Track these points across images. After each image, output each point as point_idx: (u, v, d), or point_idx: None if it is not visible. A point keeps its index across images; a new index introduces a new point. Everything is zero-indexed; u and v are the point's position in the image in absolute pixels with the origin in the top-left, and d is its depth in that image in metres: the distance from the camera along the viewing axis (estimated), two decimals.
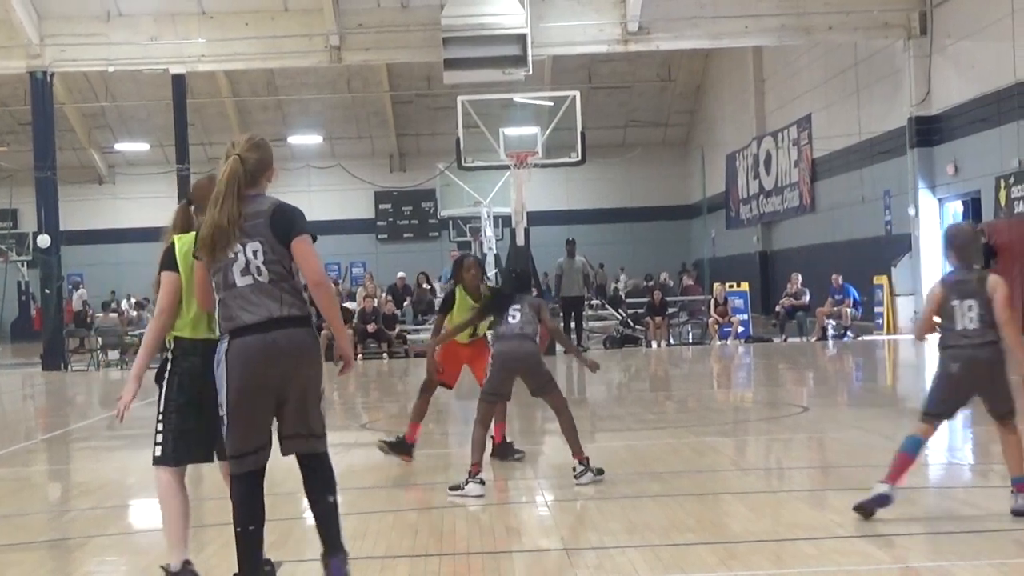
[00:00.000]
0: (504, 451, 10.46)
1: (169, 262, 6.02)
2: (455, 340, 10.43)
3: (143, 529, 8.39)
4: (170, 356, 6.01)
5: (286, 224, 5.67)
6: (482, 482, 8.83)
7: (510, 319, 9.21)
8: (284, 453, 5.79)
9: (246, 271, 5.62)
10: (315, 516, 5.83)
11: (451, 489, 8.90)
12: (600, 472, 9.09)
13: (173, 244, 6.05)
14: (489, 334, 10.19)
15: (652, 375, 21.72)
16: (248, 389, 5.58)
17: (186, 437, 5.93)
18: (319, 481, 5.80)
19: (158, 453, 5.95)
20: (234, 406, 5.60)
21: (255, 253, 5.62)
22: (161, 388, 5.99)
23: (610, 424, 13.42)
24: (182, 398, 5.92)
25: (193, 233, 6.02)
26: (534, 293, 10.55)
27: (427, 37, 27.52)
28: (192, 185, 6.32)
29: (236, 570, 5.70)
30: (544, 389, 9.30)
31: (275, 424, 5.76)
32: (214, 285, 5.71)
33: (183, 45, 28.36)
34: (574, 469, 9.07)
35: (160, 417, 5.96)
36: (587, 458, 9.11)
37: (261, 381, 5.59)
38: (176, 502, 5.94)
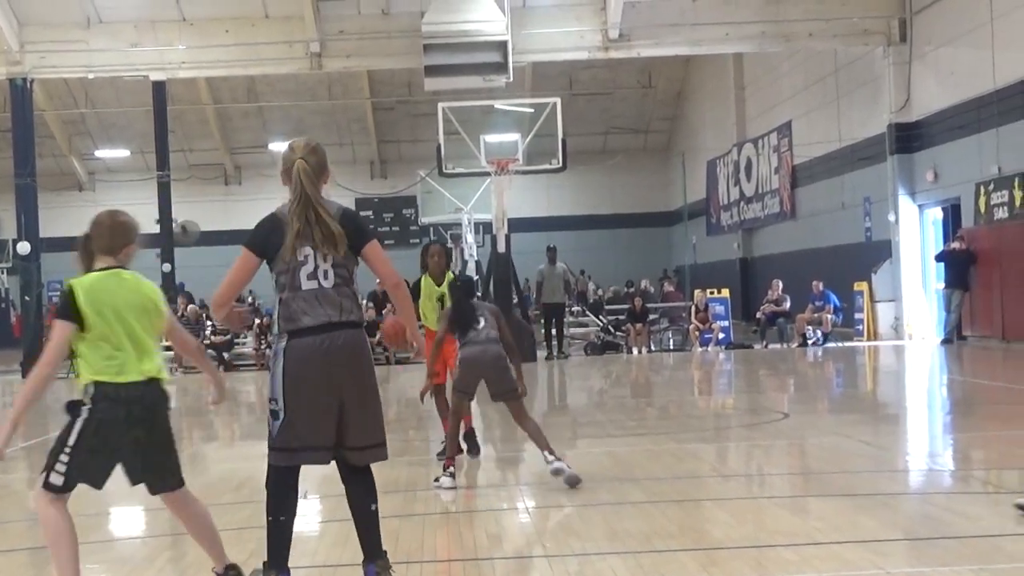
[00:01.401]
0: (468, 439, 10.91)
1: (65, 310, 5.57)
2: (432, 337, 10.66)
3: (123, 537, 8.36)
4: (88, 403, 5.61)
5: (357, 230, 5.82)
6: (452, 475, 9.32)
7: (477, 326, 9.49)
8: (359, 463, 5.84)
9: (312, 276, 5.73)
10: (356, 523, 5.91)
11: (434, 480, 9.40)
12: (577, 479, 9.08)
13: (73, 291, 5.57)
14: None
15: (633, 381, 21.71)
16: (303, 383, 5.67)
17: (86, 472, 5.66)
18: (364, 489, 5.90)
19: (56, 482, 5.60)
20: (290, 400, 5.68)
21: (325, 257, 5.73)
22: (75, 423, 5.62)
23: (591, 430, 13.42)
24: (96, 441, 5.59)
25: (93, 274, 5.67)
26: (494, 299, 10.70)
27: (408, 44, 27.57)
28: (91, 221, 5.82)
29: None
30: (505, 396, 9.52)
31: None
32: (278, 285, 5.78)
33: (163, 52, 28.36)
34: (546, 459, 9.17)
35: (68, 449, 5.60)
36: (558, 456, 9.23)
37: (317, 377, 5.67)
38: (68, 535, 5.62)
